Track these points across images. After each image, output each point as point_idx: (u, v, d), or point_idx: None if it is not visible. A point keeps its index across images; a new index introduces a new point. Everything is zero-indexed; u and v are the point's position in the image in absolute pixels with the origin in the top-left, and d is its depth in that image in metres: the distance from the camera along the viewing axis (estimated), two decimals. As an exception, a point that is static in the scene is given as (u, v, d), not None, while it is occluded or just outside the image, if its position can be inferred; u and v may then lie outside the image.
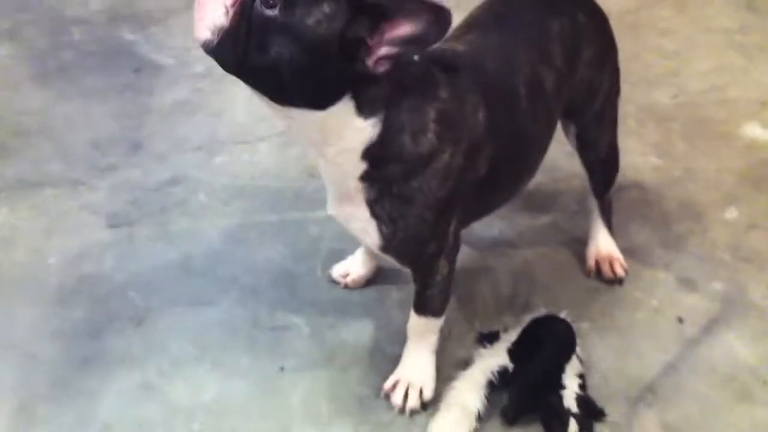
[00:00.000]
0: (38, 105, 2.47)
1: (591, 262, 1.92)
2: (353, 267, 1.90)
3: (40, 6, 2.96)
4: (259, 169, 2.24)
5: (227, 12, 1.29)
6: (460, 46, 1.60)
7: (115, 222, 2.05)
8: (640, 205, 2.13)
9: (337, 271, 1.90)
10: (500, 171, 1.57)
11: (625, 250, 1.96)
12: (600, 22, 1.77)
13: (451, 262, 1.61)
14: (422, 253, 1.55)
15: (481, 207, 1.65)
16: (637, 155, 2.27)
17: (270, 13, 1.27)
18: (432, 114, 1.45)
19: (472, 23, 1.70)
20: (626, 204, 2.10)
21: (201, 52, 2.74)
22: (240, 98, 2.49)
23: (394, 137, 1.42)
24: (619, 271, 1.90)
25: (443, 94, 1.46)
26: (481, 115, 1.51)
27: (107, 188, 2.16)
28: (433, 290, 1.63)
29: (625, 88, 2.45)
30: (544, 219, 2.10)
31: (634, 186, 2.18)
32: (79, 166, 2.24)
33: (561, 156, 2.07)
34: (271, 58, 1.28)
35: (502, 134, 1.54)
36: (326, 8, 1.27)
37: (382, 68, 1.32)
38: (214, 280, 1.90)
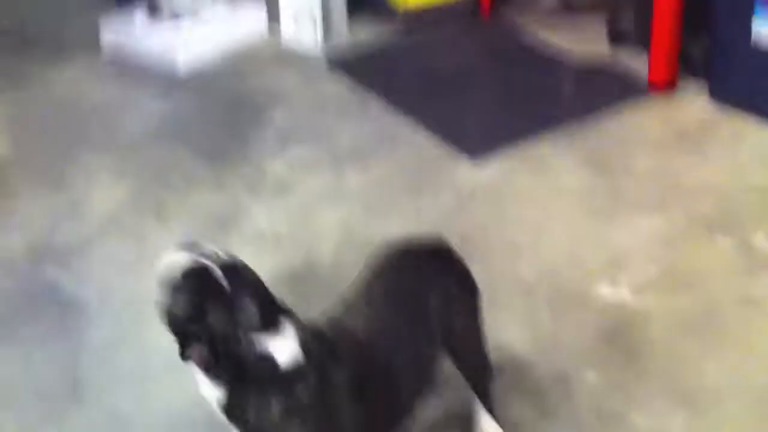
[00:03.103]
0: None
1: None
2: None
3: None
4: (190, 397, 2.54)
5: None
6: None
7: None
8: (516, 379, 2.51)
9: None
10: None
11: (507, 425, 2.34)
12: (469, 287, 2.18)
13: None
14: None
15: None
16: (509, 330, 2.65)
17: None
18: None
19: (352, 303, 2.08)
20: (504, 379, 2.48)
21: (123, 280, 3.02)
22: (162, 328, 2.80)
23: None
24: None
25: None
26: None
27: (57, 439, 2.44)
28: None
29: (493, 262, 2.89)
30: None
31: (510, 360, 2.56)
32: (29, 418, 2.50)
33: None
34: None
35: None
36: None
37: None
38: None
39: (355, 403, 1.87)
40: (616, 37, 4.25)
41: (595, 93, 3.91)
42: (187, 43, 4.46)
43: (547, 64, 4.21)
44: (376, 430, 1.97)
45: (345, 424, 1.87)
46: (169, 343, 2.69)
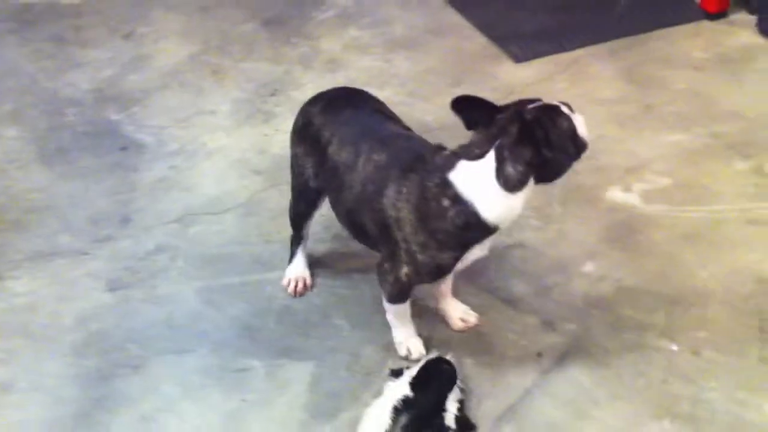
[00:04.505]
0: (44, 183, 3.05)
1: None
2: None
3: (37, 88, 3.53)
4: (225, 237, 2.84)
5: None
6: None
7: (113, 287, 2.65)
8: (520, 261, 2.75)
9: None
10: None
11: (504, 300, 2.59)
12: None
13: None
14: None
15: None
16: (523, 218, 2.87)
17: None
18: None
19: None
20: (509, 260, 2.72)
21: (175, 130, 3.32)
22: (208, 174, 3.09)
23: None
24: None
25: None
26: None
27: (106, 257, 2.76)
28: None
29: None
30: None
31: (517, 245, 2.80)
32: (81, 238, 2.83)
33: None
34: None
35: None
36: None
37: None
38: (192, 334, 2.51)
39: None
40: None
41: (647, 11, 4.01)
42: None
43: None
44: None
45: None
46: (212, 188, 3.01)
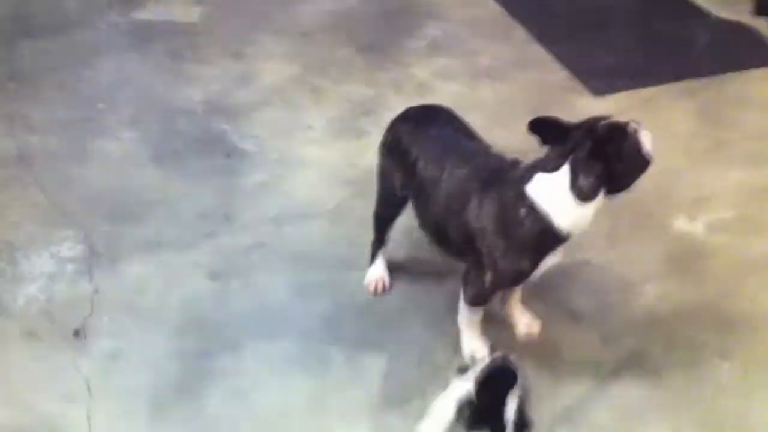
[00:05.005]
0: (156, 182, 3.39)
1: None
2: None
3: (154, 97, 3.90)
4: (314, 238, 3.12)
5: None
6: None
7: (214, 276, 2.96)
8: (587, 278, 2.95)
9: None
10: None
11: (568, 313, 2.80)
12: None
13: None
14: None
15: None
16: (591, 238, 3.08)
17: None
18: None
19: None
20: (575, 277, 2.93)
21: (275, 141, 3.62)
22: (302, 181, 3.39)
23: None
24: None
25: None
26: None
27: (208, 250, 3.07)
28: None
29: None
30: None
31: (584, 263, 3.00)
32: (187, 232, 3.14)
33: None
34: None
35: None
36: None
37: None
38: (281, 321, 2.79)
39: None
40: (762, 8, 4.45)
41: (725, 54, 4.17)
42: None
43: (688, 16, 4.47)
44: None
45: None
46: (306, 195, 3.30)
